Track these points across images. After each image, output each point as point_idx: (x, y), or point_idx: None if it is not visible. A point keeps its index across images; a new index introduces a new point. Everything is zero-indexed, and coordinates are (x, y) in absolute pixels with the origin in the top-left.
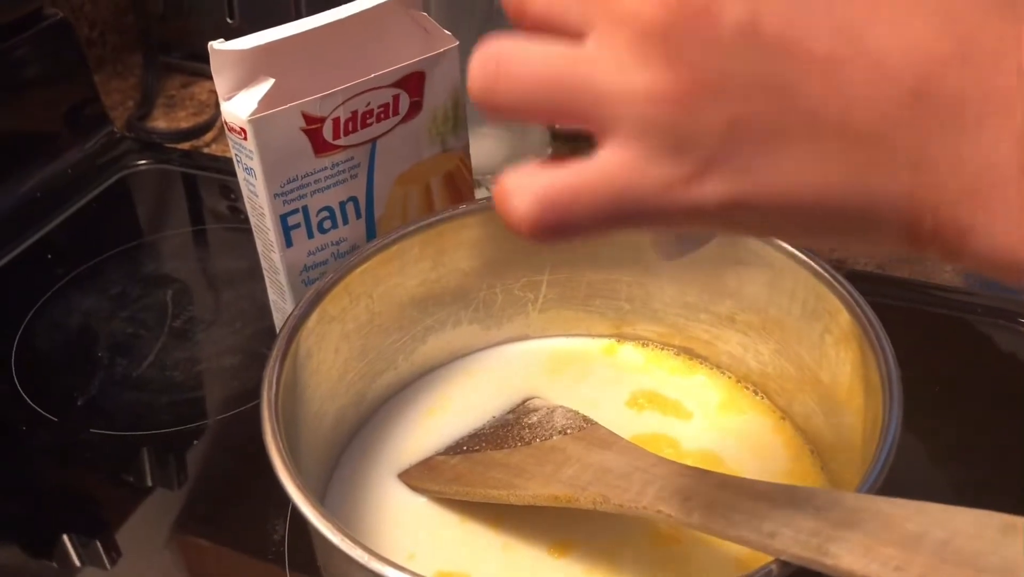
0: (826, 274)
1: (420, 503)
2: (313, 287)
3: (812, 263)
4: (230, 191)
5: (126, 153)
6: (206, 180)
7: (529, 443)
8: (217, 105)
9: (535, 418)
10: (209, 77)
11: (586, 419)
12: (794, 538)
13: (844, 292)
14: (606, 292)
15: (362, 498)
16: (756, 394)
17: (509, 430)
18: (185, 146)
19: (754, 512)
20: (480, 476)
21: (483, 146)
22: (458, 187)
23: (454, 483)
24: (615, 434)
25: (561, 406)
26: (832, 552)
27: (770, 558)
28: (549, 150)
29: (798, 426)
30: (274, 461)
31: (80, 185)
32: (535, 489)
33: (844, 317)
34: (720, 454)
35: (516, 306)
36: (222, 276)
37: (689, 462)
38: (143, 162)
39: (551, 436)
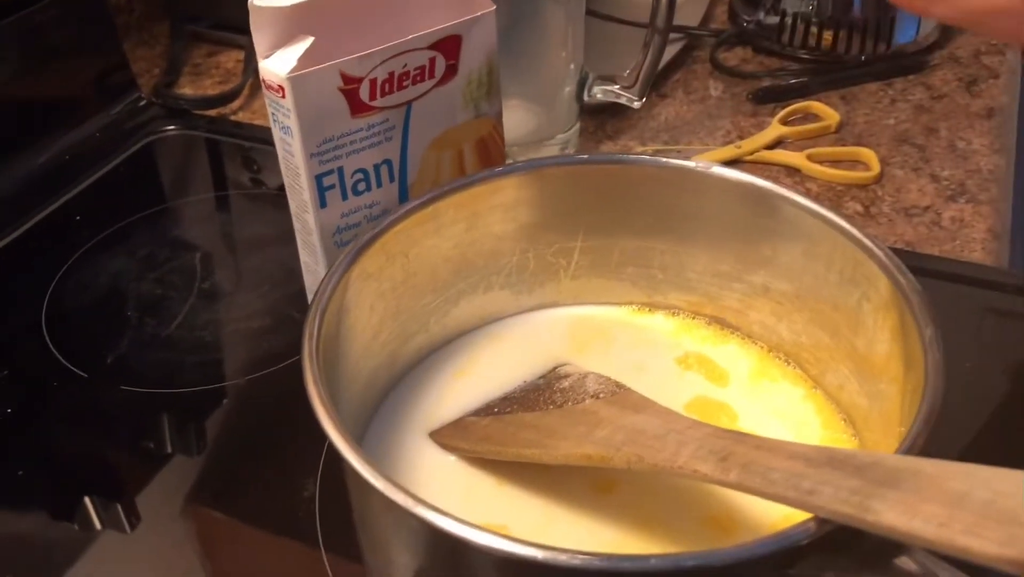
0: (866, 240)
1: (451, 461)
2: (352, 243)
3: (851, 229)
4: (253, 162)
5: (153, 119)
6: (232, 147)
7: (560, 406)
8: (244, 73)
9: (566, 383)
10: (235, 46)
11: (618, 384)
12: (834, 495)
13: (884, 258)
14: (639, 260)
15: (394, 457)
16: (788, 364)
17: (540, 394)
18: (212, 113)
19: (792, 471)
20: (511, 436)
21: (511, 117)
22: (490, 154)
23: (485, 442)
24: (648, 399)
25: (593, 372)
26: (874, 508)
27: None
28: (578, 124)
29: (830, 395)
30: (315, 405)
31: (107, 150)
32: (567, 449)
33: (884, 283)
34: (752, 421)
35: (548, 272)
36: (249, 241)
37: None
38: (170, 128)
39: (583, 400)
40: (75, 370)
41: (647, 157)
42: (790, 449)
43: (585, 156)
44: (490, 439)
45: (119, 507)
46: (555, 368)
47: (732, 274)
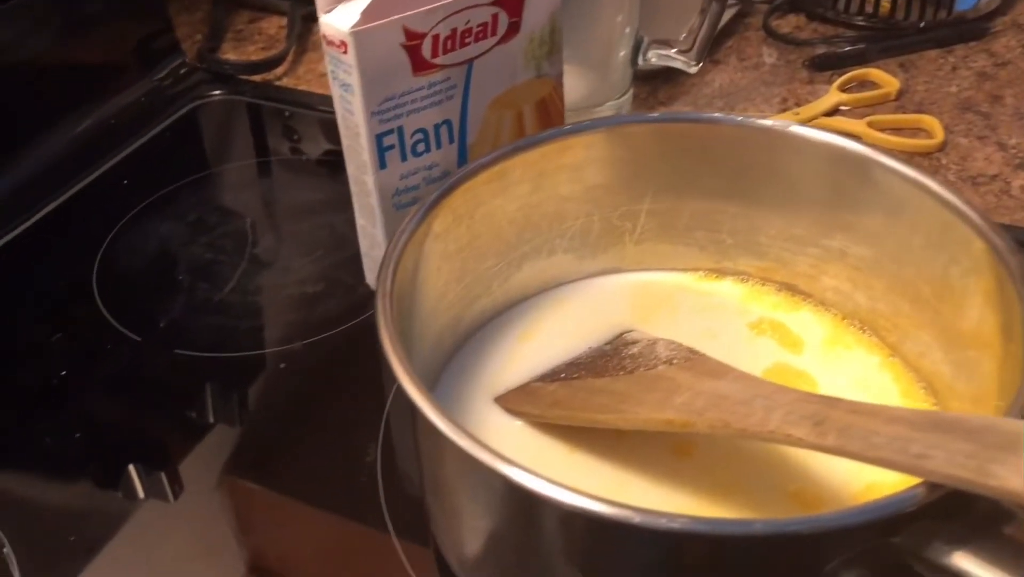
0: (958, 202)
1: (519, 426)
2: (419, 202)
3: (941, 191)
4: (293, 131)
5: (198, 84)
6: (275, 113)
7: (632, 372)
8: (287, 39)
9: (635, 349)
10: (277, 12)
11: (692, 350)
12: (948, 459)
13: (978, 220)
14: (708, 224)
15: (461, 421)
16: (863, 331)
17: (608, 360)
18: (256, 78)
19: (896, 434)
20: (583, 401)
21: (565, 80)
22: (550, 115)
23: (555, 407)
24: (726, 364)
25: (663, 338)
26: (996, 473)
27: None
28: (631, 90)
29: (909, 363)
30: (392, 362)
31: (152, 114)
32: (646, 414)
33: (978, 246)
34: (830, 389)
35: (612, 236)
36: (296, 207)
37: None
38: (215, 93)
39: (655, 366)
40: (128, 333)
41: (723, 116)
42: (889, 413)
43: (657, 114)
44: (560, 404)
45: (163, 476)
46: (621, 334)
47: (807, 238)
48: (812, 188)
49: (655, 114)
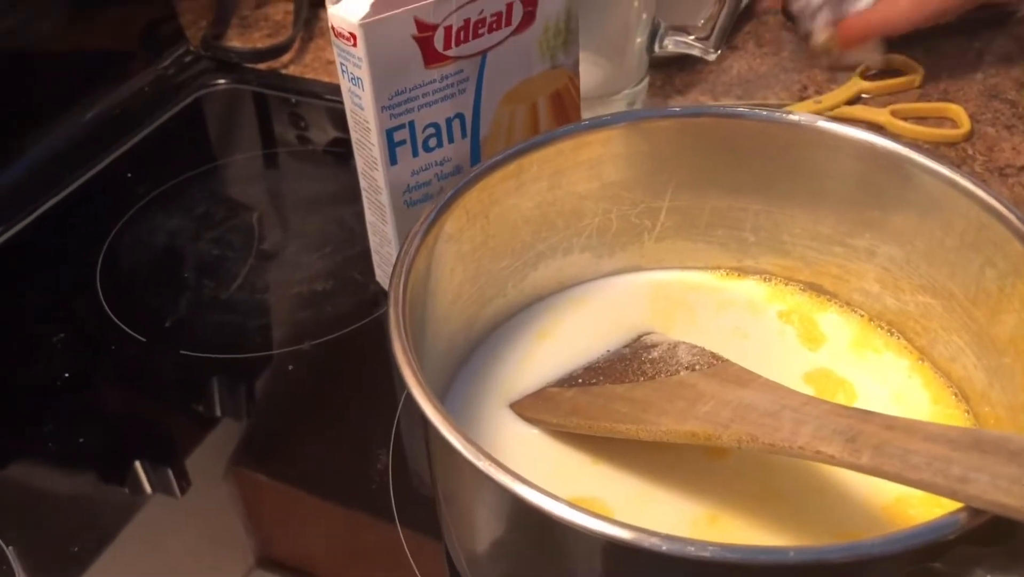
0: (993, 201)
1: (535, 433)
2: (432, 202)
3: (976, 189)
4: (300, 119)
5: (203, 73)
6: (281, 102)
7: (652, 378)
8: (294, 25)
9: (655, 353)
10: None
11: (715, 355)
12: (992, 484)
13: (1016, 221)
14: (730, 221)
15: (476, 427)
16: (891, 334)
17: (628, 364)
18: (262, 67)
19: (935, 455)
20: (602, 409)
21: (580, 68)
22: (565, 108)
23: (573, 416)
24: (751, 371)
25: (684, 342)
26: None
27: (954, 505)
28: (647, 78)
29: (939, 368)
30: (406, 377)
31: (157, 104)
32: (668, 425)
33: (1015, 248)
34: (856, 391)
35: (631, 234)
36: (305, 200)
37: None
38: (220, 82)
39: (677, 371)
40: (132, 333)
41: (746, 110)
42: (927, 430)
43: (679, 108)
44: (579, 412)
45: (169, 471)
46: (640, 337)
47: (833, 237)
48: (839, 185)
49: (676, 108)
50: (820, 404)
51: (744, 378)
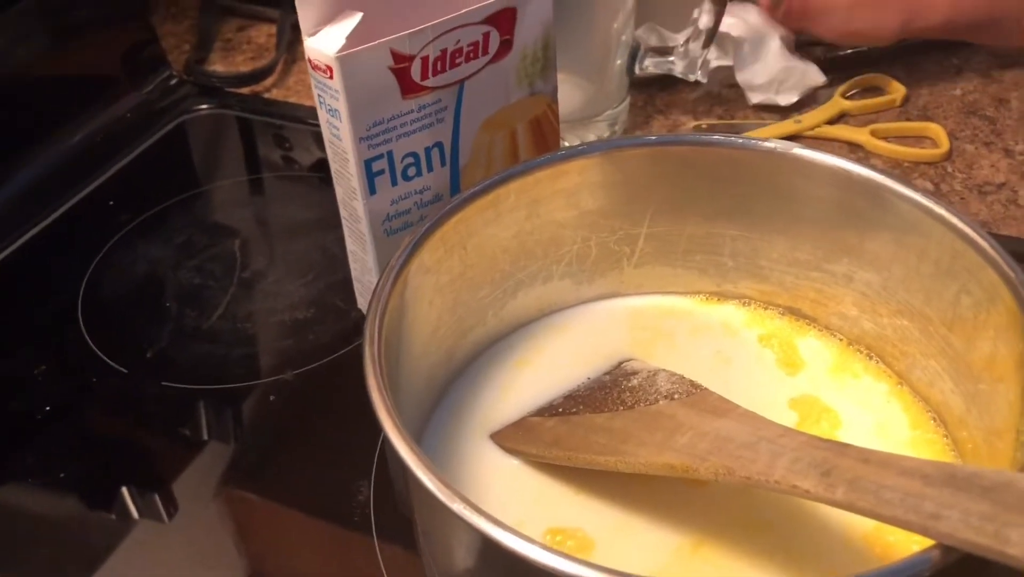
0: (967, 228)
1: (516, 463)
2: (409, 235)
3: (950, 216)
4: (284, 140)
5: (185, 98)
6: (265, 126)
7: (632, 407)
8: (277, 48)
9: (635, 381)
10: (267, 20)
11: (693, 384)
12: (964, 521)
13: (989, 249)
14: (708, 247)
15: (455, 460)
16: (870, 358)
17: (608, 392)
18: (244, 91)
19: (908, 490)
20: (582, 440)
21: (561, 91)
22: (544, 134)
23: (554, 447)
24: (728, 401)
25: (663, 369)
26: (1012, 539)
27: (928, 542)
28: (628, 98)
29: (918, 392)
30: (377, 409)
31: (139, 130)
32: (646, 457)
33: (988, 276)
34: (839, 415)
35: (610, 261)
36: (288, 226)
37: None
38: (203, 107)
39: (656, 400)
40: (114, 365)
41: (721, 137)
42: (902, 464)
43: (655, 137)
44: (559, 443)
45: (156, 497)
46: (620, 364)
47: (811, 263)
48: (816, 211)
49: (652, 137)
50: (797, 436)
51: (722, 408)
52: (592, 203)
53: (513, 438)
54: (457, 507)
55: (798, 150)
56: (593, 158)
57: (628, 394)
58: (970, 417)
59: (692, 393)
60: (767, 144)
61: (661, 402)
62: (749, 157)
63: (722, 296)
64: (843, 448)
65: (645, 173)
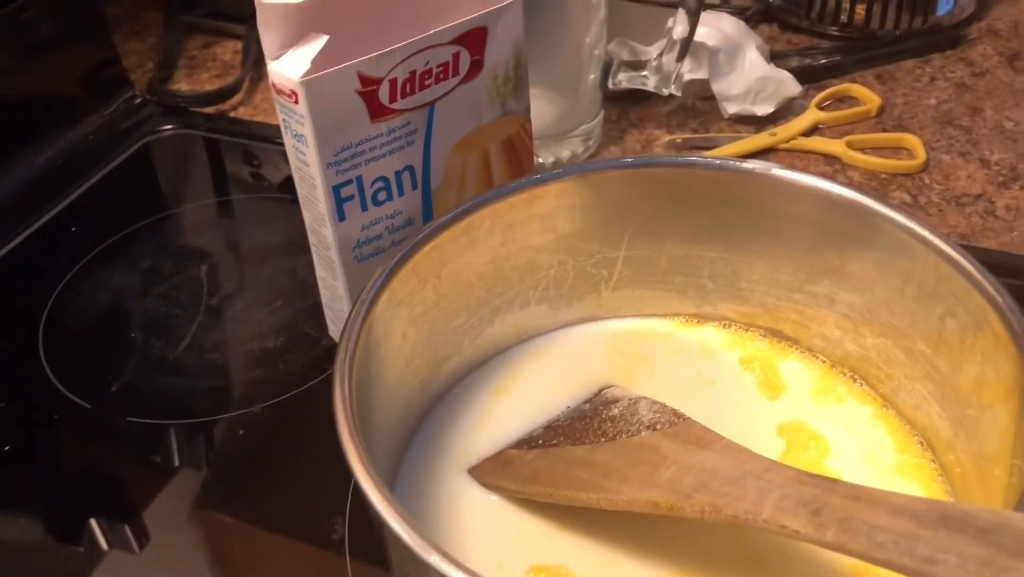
0: (951, 251)
1: (495, 499)
2: (380, 267)
3: (934, 238)
4: (253, 156)
5: (149, 118)
6: (232, 146)
7: (613, 438)
8: (242, 66)
9: (616, 410)
10: (233, 36)
11: (676, 413)
12: (961, 567)
13: (974, 272)
14: (687, 269)
15: (432, 495)
16: (855, 380)
17: (588, 423)
18: (210, 110)
19: (901, 532)
20: (563, 475)
21: (534, 107)
22: (517, 154)
23: (534, 483)
24: (712, 431)
25: (645, 397)
26: None
27: None
28: (601, 112)
29: (904, 415)
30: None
31: (102, 153)
32: (630, 493)
33: (975, 299)
34: (827, 441)
35: (588, 284)
36: (256, 250)
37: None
38: (168, 127)
39: (638, 431)
40: (77, 400)
41: (698, 159)
42: (892, 502)
43: (630, 159)
44: (539, 479)
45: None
46: (601, 391)
47: (792, 284)
48: (796, 232)
49: (628, 159)
50: (783, 470)
51: (706, 439)
52: (569, 226)
53: (492, 473)
54: (434, 559)
55: (777, 171)
56: (569, 181)
57: (609, 424)
58: (958, 442)
59: (675, 423)
60: (745, 165)
61: (643, 433)
62: (726, 177)
63: (702, 318)
64: (831, 485)
65: (622, 195)
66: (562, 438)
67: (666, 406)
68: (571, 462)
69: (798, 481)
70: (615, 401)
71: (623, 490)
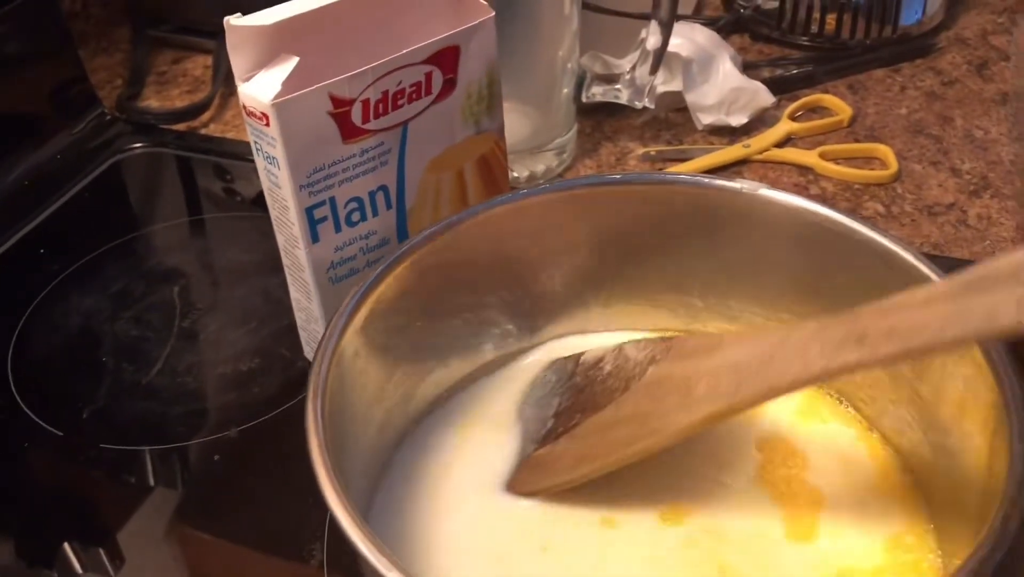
0: (932, 275)
1: (476, 520)
2: (354, 288)
3: (916, 263)
4: (225, 172)
5: (118, 136)
6: (205, 164)
7: (626, 389)
8: (213, 81)
9: (608, 367)
10: (203, 51)
11: (662, 339)
12: (1018, 305)
13: None
14: (677, 287)
15: (411, 522)
16: (840, 403)
17: (592, 389)
18: (181, 127)
19: (945, 314)
20: (604, 443)
21: (508, 121)
22: (492, 172)
23: (581, 465)
24: (708, 335)
25: (623, 343)
26: None
27: None
28: (575, 126)
29: (888, 439)
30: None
31: (70, 172)
32: (679, 422)
33: None
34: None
35: (576, 301)
36: (229, 270)
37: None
38: (137, 145)
39: (644, 371)
40: (48, 428)
41: (687, 177)
42: (916, 297)
43: (618, 176)
44: (584, 459)
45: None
46: (578, 358)
47: (780, 304)
48: (781, 253)
49: (616, 176)
50: (802, 329)
51: (710, 343)
52: (556, 242)
53: (531, 481)
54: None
55: (764, 191)
56: (552, 197)
57: (612, 380)
58: (938, 467)
59: (670, 347)
60: (732, 184)
61: (650, 370)
62: (711, 195)
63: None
64: (855, 315)
65: (606, 212)
66: (579, 415)
67: (649, 339)
68: (604, 428)
69: (823, 329)
70: (600, 360)
71: (671, 423)
